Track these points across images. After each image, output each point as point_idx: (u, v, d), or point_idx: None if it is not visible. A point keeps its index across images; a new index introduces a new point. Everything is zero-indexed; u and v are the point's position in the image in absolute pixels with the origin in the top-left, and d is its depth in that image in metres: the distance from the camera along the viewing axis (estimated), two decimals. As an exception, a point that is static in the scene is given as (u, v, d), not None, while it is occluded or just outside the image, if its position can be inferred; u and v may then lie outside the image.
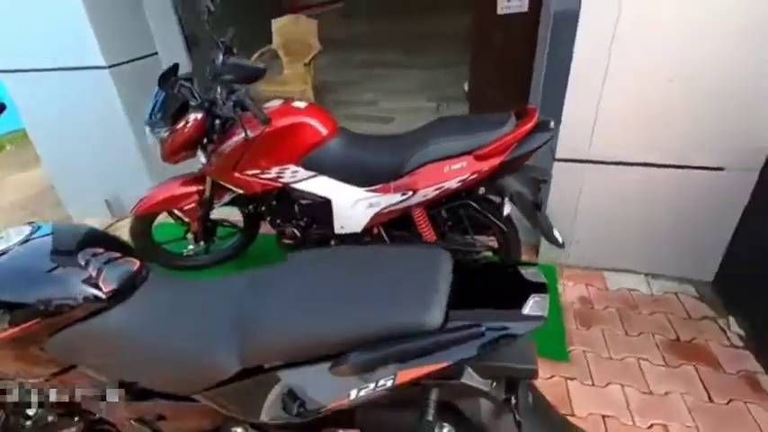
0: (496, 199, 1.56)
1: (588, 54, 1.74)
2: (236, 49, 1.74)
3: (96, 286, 0.83)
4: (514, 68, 3.20)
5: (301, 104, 1.67)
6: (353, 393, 0.65)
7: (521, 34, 3.02)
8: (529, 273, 0.71)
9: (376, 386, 0.64)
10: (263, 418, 0.71)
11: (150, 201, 1.92)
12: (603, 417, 1.51)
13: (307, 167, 1.67)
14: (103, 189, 2.90)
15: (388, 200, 1.60)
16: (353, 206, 1.66)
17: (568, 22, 1.93)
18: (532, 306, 0.64)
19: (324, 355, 0.67)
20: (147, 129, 1.73)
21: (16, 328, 0.79)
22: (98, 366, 0.86)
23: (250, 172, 1.72)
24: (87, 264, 0.86)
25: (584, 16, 1.68)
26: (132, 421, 0.88)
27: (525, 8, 2.93)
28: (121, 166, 2.75)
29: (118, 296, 0.85)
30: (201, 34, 3.21)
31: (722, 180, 1.82)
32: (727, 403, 1.53)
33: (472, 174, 1.45)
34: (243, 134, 1.60)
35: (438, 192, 1.51)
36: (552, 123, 1.43)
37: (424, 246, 1.53)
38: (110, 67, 2.46)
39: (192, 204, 1.93)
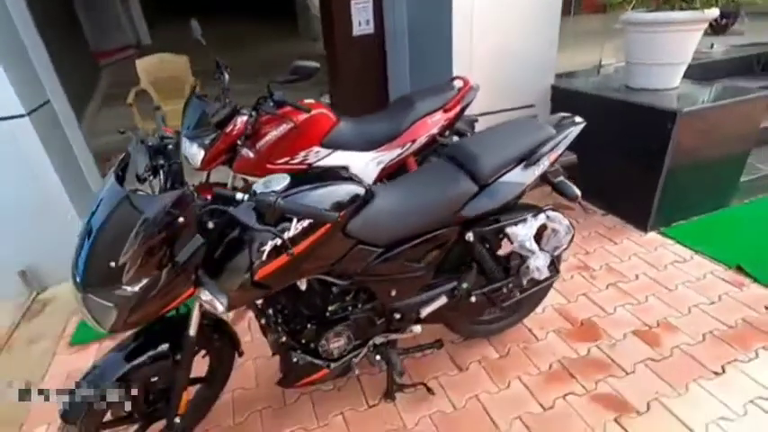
0: (453, 138, 2.45)
1: (459, 49, 2.82)
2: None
3: (362, 185, 1.32)
4: (370, 76, 4.17)
5: (311, 100, 2.18)
6: (535, 173, 1.41)
7: (371, 50, 4.01)
8: (558, 114, 1.62)
9: (542, 167, 1.42)
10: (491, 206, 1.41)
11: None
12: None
13: (326, 147, 2.18)
14: (16, 259, 2.50)
15: (392, 155, 2.27)
16: (366, 166, 2.26)
17: (420, 37, 3.03)
18: (577, 119, 1.53)
19: (515, 164, 1.42)
20: (187, 141, 1.93)
21: (339, 216, 1.21)
22: (374, 237, 1.33)
23: (281, 161, 2.11)
24: (350, 175, 1.33)
25: (455, 30, 2.75)
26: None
27: (372, 30, 3.94)
28: (44, 225, 2.46)
29: (371, 191, 1.35)
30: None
31: (518, 113, 3.17)
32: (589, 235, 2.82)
33: (445, 122, 2.29)
34: (278, 129, 2.03)
35: (427, 139, 2.28)
36: (477, 85, 2.40)
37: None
38: (28, 114, 2.28)
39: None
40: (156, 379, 1.35)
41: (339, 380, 1.79)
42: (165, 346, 1.27)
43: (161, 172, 1.18)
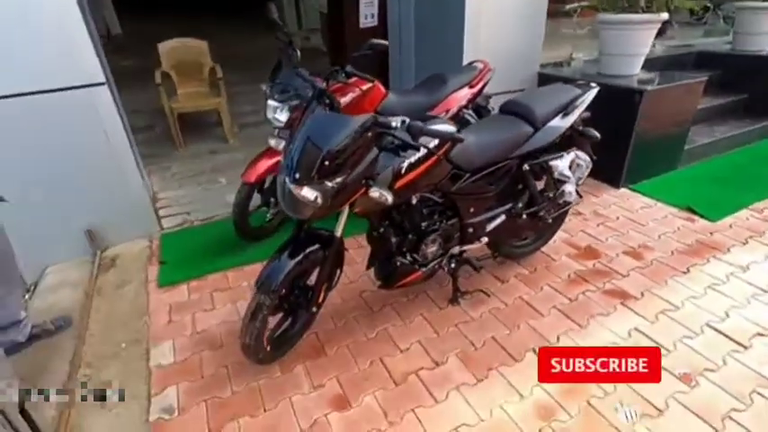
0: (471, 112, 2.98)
1: (468, 40, 3.36)
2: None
3: (455, 125, 1.80)
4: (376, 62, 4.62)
5: (367, 75, 2.61)
6: (570, 121, 1.95)
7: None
8: (579, 83, 2.18)
9: (574, 117, 1.97)
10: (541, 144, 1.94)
11: (257, 170, 2.42)
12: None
13: (379, 114, 2.63)
14: (83, 219, 2.70)
15: (432, 121, 2.76)
16: (410, 132, 2.74)
17: (428, 29, 3.54)
18: (592, 84, 2.10)
19: (556, 114, 1.96)
20: (274, 104, 2.32)
21: (445, 147, 1.69)
22: (465, 163, 1.80)
23: (346, 124, 2.54)
24: (442, 119, 1.80)
25: (467, 26, 3.29)
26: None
27: (376, 23, 4.41)
28: (113, 188, 2.69)
29: (460, 130, 1.83)
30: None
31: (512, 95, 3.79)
32: (570, 182, 3.47)
33: (470, 96, 2.81)
34: (346, 97, 2.45)
35: (458, 108, 2.79)
36: (494, 68, 2.94)
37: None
38: (107, 82, 2.52)
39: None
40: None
41: (412, 292, 2.26)
42: (317, 246, 1.68)
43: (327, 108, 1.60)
